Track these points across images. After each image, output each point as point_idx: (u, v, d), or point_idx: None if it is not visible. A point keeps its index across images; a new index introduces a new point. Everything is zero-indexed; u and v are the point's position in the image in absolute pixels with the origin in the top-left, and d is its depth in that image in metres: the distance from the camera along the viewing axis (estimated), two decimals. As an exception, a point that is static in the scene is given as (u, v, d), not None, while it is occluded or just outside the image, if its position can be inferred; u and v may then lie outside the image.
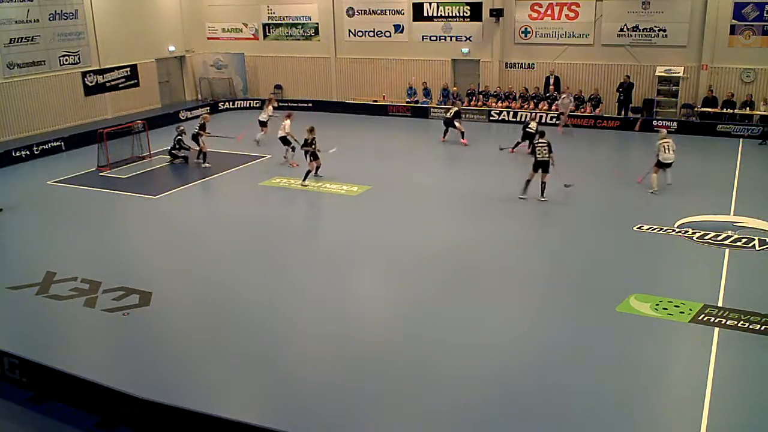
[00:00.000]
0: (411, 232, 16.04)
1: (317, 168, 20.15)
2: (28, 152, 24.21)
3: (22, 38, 26.94)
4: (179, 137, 22.75)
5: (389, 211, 17.82)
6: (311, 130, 19.80)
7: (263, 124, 24.79)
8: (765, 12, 24.85)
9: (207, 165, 22.13)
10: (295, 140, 21.44)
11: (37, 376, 9.96)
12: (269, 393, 10.07)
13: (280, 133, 22.03)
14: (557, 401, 9.42)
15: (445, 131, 24.85)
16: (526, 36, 29.04)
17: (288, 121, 22.03)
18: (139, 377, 10.21)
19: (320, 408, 9.47)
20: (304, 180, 19.75)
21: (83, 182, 21.13)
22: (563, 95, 26.09)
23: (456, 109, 24.91)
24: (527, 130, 22.16)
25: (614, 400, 9.45)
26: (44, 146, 24.73)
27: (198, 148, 22.31)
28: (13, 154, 23.77)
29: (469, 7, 29.72)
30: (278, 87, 34.13)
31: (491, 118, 28.66)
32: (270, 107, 25.36)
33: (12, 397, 9.96)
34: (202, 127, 22.66)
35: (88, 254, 15.45)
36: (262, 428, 8.21)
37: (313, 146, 19.75)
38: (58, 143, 25.26)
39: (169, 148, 23.14)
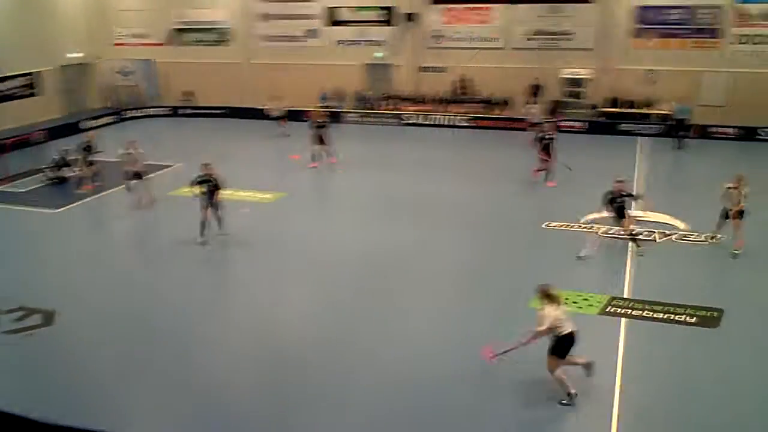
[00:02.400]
0: (328, 236, 15.98)
1: (219, 221, 15.44)
2: None
3: None
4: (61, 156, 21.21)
5: (307, 216, 17.69)
6: (206, 166, 15.32)
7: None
8: (665, 16, 26.04)
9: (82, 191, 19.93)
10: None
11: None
12: (185, 409, 9.68)
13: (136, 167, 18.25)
14: (473, 394, 9.51)
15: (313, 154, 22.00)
16: (438, 40, 29.41)
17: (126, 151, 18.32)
18: (48, 401, 9.69)
19: (238, 421, 9.22)
20: (200, 236, 15.31)
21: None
22: (529, 106, 25.19)
23: (322, 119, 22.29)
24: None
25: (530, 391, 9.58)
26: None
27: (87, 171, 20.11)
28: None
29: (382, 12, 29.87)
30: (189, 94, 33.37)
31: (403, 121, 28.87)
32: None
33: None
34: (87, 148, 20.34)
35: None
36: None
37: (211, 190, 15.13)
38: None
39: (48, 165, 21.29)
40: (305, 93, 30.71)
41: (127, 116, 31.78)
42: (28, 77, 29.99)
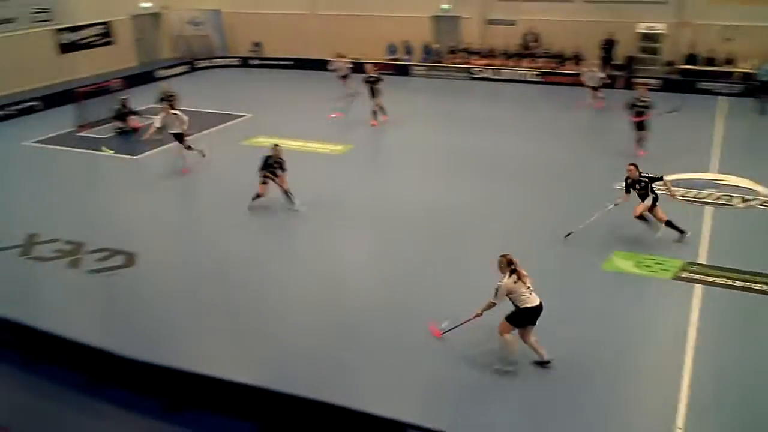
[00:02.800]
0: (394, 191, 16.07)
1: (288, 196, 14.98)
2: (2, 112, 23.73)
3: (-9, -6, 26.21)
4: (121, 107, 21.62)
5: (375, 169, 17.87)
6: (275, 147, 15.01)
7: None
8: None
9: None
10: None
11: (24, 338, 9.92)
12: (255, 352, 10.09)
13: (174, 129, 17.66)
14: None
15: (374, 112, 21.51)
16: (506, -8, 28.70)
17: (163, 114, 17.62)
18: (126, 337, 10.17)
19: (304, 366, 9.54)
20: (252, 200, 15.06)
21: (60, 142, 20.81)
22: (587, 69, 23.86)
23: (374, 74, 21.48)
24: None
25: (603, 355, 9.58)
26: (19, 106, 24.27)
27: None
28: (-12, 114, 23.34)
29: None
30: (257, 45, 33.58)
31: (471, 75, 28.47)
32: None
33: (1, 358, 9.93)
34: (167, 98, 20.53)
35: (68, 215, 15.30)
36: (248, 386, 8.29)
37: (272, 168, 14.83)
38: (34, 103, 24.77)
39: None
40: (372, 45, 30.56)
41: (198, 66, 32.28)
42: (103, 26, 30.71)
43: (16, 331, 9.93)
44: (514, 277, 8.80)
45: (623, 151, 17.97)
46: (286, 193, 14.95)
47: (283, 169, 14.90)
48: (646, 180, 12.65)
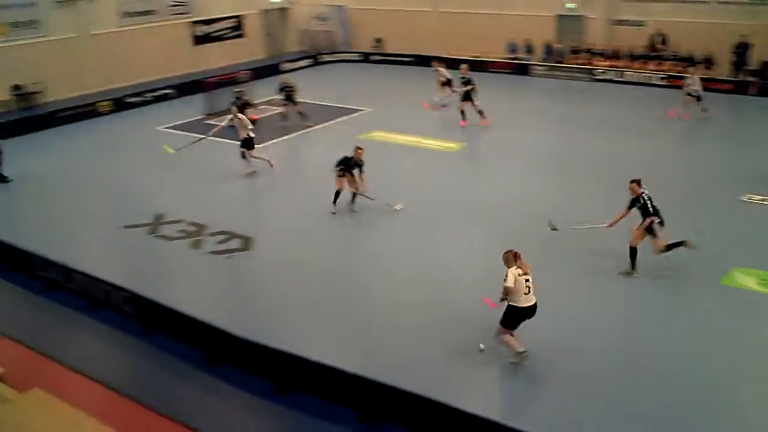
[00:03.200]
0: (507, 191, 15.97)
1: (353, 197, 15.13)
2: (140, 98, 25.45)
3: (135, -12, 28.10)
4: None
5: (486, 168, 17.96)
6: (358, 150, 14.90)
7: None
8: None
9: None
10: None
11: (148, 311, 10.65)
12: (359, 342, 10.38)
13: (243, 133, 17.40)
14: (657, 370, 9.29)
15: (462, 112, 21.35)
16: (635, -9, 27.68)
17: (231, 116, 17.73)
18: (240, 318, 10.72)
19: (405, 359, 9.70)
20: (334, 202, 15.06)
21: (190, 129, 21.97)
22: (689, 77, 22.06)
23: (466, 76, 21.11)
24: None
25: (718, 374, 9.23)
26: (155, 93, 25.93)
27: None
28: (127, 100, 25.05)
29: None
30: (378, 40, 34.11)
31: (594, 77, 27.68)
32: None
33: (125, 329, 10.72)
34: (287, 89, 21.74)
35: (192, 198, 16.24)
36: (354, 374, 8.56)
37: (350, 168, 14.87)
38: (169, 91, 26.40)
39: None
40: (492, 43, 30.34)
41: (321, 60, 33.17)
42: (235, 20, 32.21)
43: (142, 304, 10.70)
44: (519, 270, 9.07)
45: (754, 154, 17.00)
46: (354, 194, 15.02)
47: (360, 171, 14.92)
48: (645, 199, 11.69)
